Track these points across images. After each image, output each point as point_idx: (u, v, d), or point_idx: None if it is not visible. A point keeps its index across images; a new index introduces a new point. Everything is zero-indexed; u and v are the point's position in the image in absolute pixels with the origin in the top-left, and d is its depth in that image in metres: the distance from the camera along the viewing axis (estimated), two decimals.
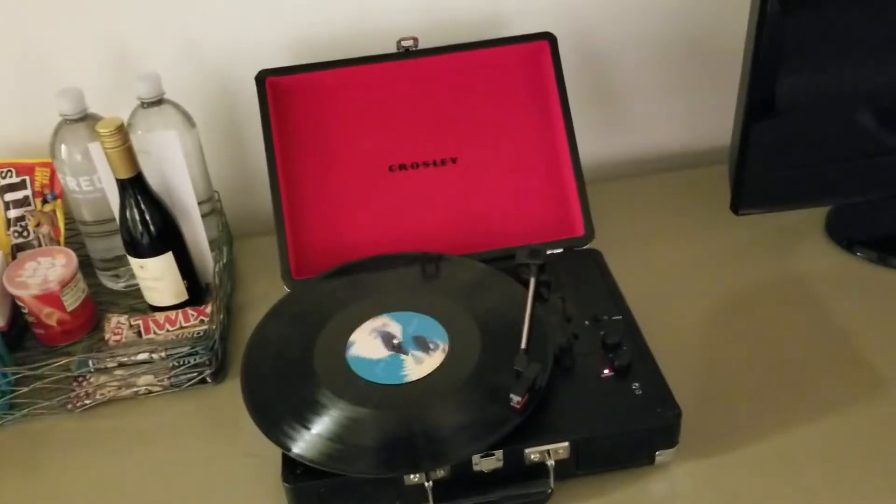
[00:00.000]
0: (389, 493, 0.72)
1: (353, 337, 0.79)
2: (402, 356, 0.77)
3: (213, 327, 0.90)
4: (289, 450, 0.70)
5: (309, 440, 0.70)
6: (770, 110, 0.88)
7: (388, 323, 0.81)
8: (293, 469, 0.70)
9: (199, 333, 0.91)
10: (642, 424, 0.72)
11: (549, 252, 0.86)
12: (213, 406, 0.86)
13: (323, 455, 0.69)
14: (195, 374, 0.88)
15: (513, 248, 0.88)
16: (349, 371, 0.76)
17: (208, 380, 0.88)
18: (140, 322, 0.93)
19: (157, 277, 0.93)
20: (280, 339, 0.81)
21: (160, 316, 0.93)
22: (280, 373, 0.77)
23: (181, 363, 0.88)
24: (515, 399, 0.70)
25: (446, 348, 0.77)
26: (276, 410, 0.74)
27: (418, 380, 0.75)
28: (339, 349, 0.78)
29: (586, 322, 0.81)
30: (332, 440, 0.70)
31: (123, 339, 0.92)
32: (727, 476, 0.74)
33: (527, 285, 0.82)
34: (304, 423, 0.72)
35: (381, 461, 0.69)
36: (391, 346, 0.78)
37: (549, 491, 0.72)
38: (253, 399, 0.75)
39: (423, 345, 0.78)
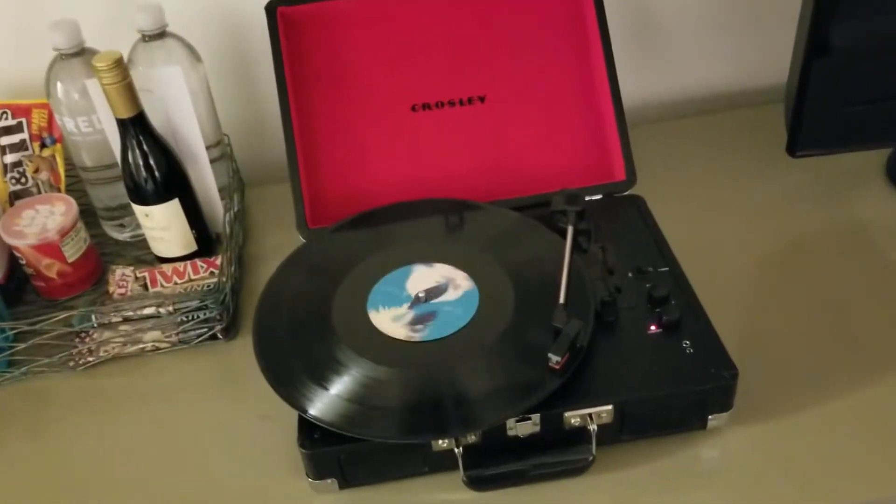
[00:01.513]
0: (415, 459, 0.66)
1: (373, 289, 0.73)
2: (428, 310, 0.70)
3: (224, 280, 0.83)
4: (305, 412, 0.64)
5: (327, 402, 0.64)
6: (832, 45, 0.79)
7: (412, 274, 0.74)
8: (310, 433, 0.64)
9: (208, 286, 0.84)
10: (695, 386, 0.65)
11: (587, 198, 0.79)
12: (225, 364, 0.81)
13: (342, 418, 0.63)
14: (205, 329, 0.82)
15: (548, 194, 0.80)
16: (371, 327, 0.69)
17: (219, 336, 0.82)
18: (146, 274, 0.87)
19: (164, 227, 0.87)
20: (295, 293, 0.75)
21: (167, 268, 0.87)
22: (295, 329, 0.71)
23: (190, 318, 0.82)
24: (554, 359, 0.64)
25: (476, 302, 0.71)
26: (291, 369, 0.67)
27: (447, 337, 0.68)
28: (359, 303, 0.72)
29: (629, 274, 0.74)
30: (352, 401, 0.64)
31: (129, 293, 0.86)
32: (785, 441, 0.68)
33: (564, 234, 0.75)
34: (322, 383, 0.66)
35: (406, 425, 0.63)
36: (415, 300, 0.71)
37: (591, 458, 0.66)
38: (266, 357, 0.69)
39: (450, 297, 0.71)
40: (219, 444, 0.73)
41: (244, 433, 0.73)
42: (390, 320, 0.70)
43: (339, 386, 0.65)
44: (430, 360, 0.66)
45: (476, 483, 0.65)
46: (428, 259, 0.75)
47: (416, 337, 0.68)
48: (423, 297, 0.72)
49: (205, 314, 0.82)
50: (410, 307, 0.71)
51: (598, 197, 0.85)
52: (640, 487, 0.66)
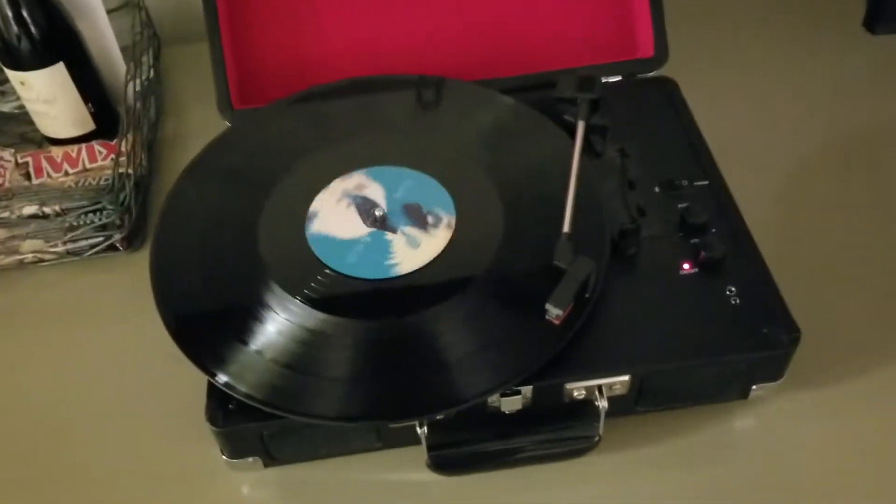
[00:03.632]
0: (366, 434, 0.50)
1: (315, 204, 0.54)
2: (388, 235, 0.52)
3: (127, 171, 0.64)
4: (214, 376, 0.47)
5: (247, 363, 0.47)
6: None
7: (367, 184, 0.55)
8: (223, 404, 0.48)
9: (106, 179, 0.65)
10: (741, 353, 0.49)
11: (604, 81, 0.59)
12: (126, 283, 0.63)
13: (268, 387, 0.47)
14: (100, 238, 0.63)
15: (552, 72, 0.61)
16: (310, 257, 0.51)
17: (119, 247, 0.64)
18: (29, 159, 0.67)
19: (47, 99, 0.67)
20: (211, 202, 0.56)
21: (57, 152, 0.68)
22: (209, 256, 0.53)
23: (82, 222, 0.63)
24: (555, 311, 0.47)
25: (452, 224, 0.53)
26: (199, 314, 0.50)
27: (412, 273, 0.50)
28: (295, 222, 0.53)
29: (656, 189, 0.56)
30: (281, 364, 0.47)
31: (6, 184, 0.66)
32: (841, 413, 0.53)
33: (572, 131, 0.56)
34: (241, 337, 0.48)
35: (353, 400, 0.46)
36: (371, 220, 0.53)
37: (597, 439, 0.50)
38: (165, 295, 0.51)
39: (418, 218, 0.53)
40: (112, 391, 0.56)
41: (146, 376, 0.56)
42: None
43: (264, 341, 0.48)
44: (388, 308, 0.49)
45: (443, 466, 0.49)
46: (388, 160, 0.56)
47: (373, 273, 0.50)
48: (383, 216, 0.53)
49: (100, 218, 0.63)
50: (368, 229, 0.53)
51: (618, 79, 0.65)
52: (653, 468, 0.51)
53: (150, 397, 0.56)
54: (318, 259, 0.51)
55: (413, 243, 0.52)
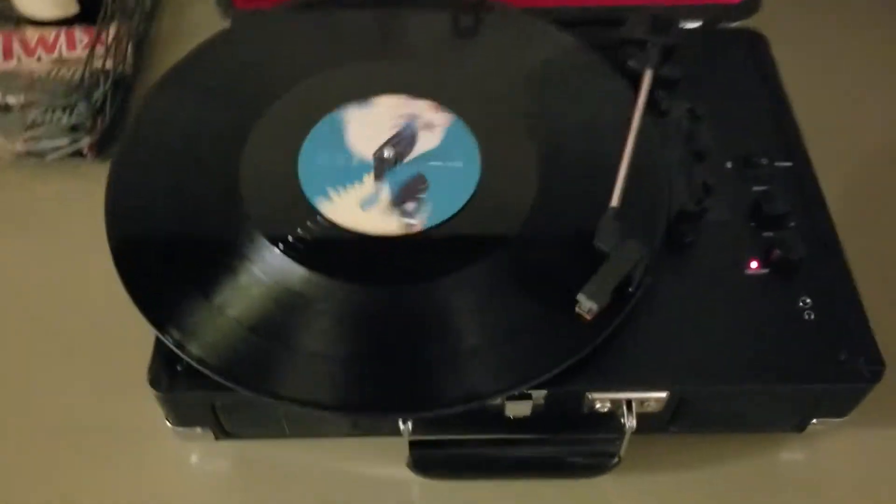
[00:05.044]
0: (341, 420, 0.42)
1: (312, 136, 0.45)
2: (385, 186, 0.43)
3: (105, 65, 0.55)
4: (165, 331, 0.38)
5: (205, 319, 0.39)
6: None
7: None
8: (170, 365, 0.39)
9: (82, 74, 0.56)
10: (808, 381, 0.39)
11: (681, 26, 0.48)
12: (89, 197, 0.52)
13: (227, 352, 0.38)
14: (66, 141, 0.54)
15: (620, 8, 0.50)
16: (302, 201, 0.42)
17: (85, 153, 0.55)
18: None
19: None
20: (191, 116, 0.46)
21: (32, 34, 0.59)
22: (179, 178, 0.43)
23: (48, 119, 0.54)
24: (587, 305, 0.37)
25: (476, 178, 0.43)
26: (154, 245, 0.41)
27: (422, 232, 0.41)
28: (286, 157, 0.44)
29: (729, 165, 0.46)
30: (246, 327, 0.38)
31: None
32: None
33: (635, 82, 0.46)
34: (202, 285, 0.39)
35: (328, 384, 0.38)
36: (380, 163, 0.43)
37: (616, 461, 0.41)
38: (121, 222, 0.42)
39: (409, 191, 0.43)
40: (54, 322, 0.48)
41: (96, 309, 0.48)
42: (356, 205, 0.42)
43: (232, 297, 0.39)
44: (387, 272, 0.40)
45: (425, 468, 0.41)
46: (407, 91, 0.46)
47: (416, 225, 0.41)
48: (392, 156, 0.43)
49: (69, 117, 0.54)
50: (376, 177, 0.43)
51: (697, 25, 0.54)
52: (675, 497, 0.42)
53: (97, 335, 0.47)
54: (312, 207, 0.42)
55: (441, 183, 0.42)
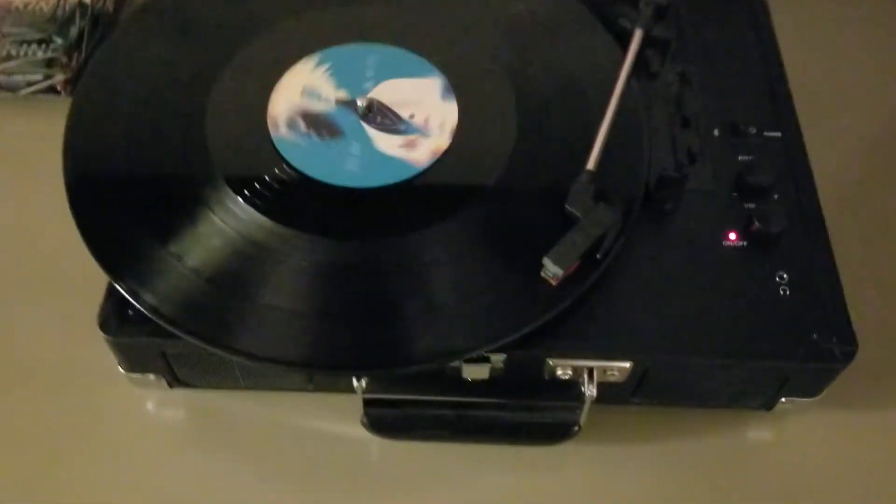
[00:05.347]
0: (297, 376, 0.41)
1: (283, 82, 0.43)
2: (369, 130, 0.41)
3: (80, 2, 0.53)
4: (119, 278, 0.37)
5: (160, 266, 0.37)
6: None
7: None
8: (120, 308, 0.38)
9: (61, 6, 0.54)
10: (779, 358, 0.38)
11: None
12: (61, 135, 0.52)
13: (181, 302, 0.37)
14: (40, 76, 0.53)
15: None
16: (271, 150, 0.41)
17: (60, 90, 0.53)
18: None
19: None
20: (159, 53, 0.45)
21: None
22: (142, 116, 0.42)
23: (22, 52, 0.53)
24: (552, 270, 0.36)
25: (454, 129, 0.41)
26: (111, 185, 0.40)
27: (394, 185, 0.39)
28: (256, 104, 0.42)
29: (716, 132, 0.44)
30: (204, 277, 0.37)
31: None
32: (879, 444, 0.42)
33: (624, 41, 0.44)
34: (159, 231, 0.38)
35: (284, 339, 0.36)
36: (353, 109, 0.42)
37: (575, 429, 0.40)
38: (78, 161, 0.41)
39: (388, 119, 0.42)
40: (11, 261, 0.47)
41: (56, 249, 0.46)
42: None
43: (192, 246, 0.38)
44: (354, 225, 0.39)
45: (380, 428, 0.40)
46: (381, 37, 0.45)
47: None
48: (365, 105, 0.42)
49: (45, 51, 0.53)
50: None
51: None
52: (637, 466, 0.41)
53: (56, 276, 0.46)
54: (281, 157, 0.40)
55: (402, 147, 0.41)
